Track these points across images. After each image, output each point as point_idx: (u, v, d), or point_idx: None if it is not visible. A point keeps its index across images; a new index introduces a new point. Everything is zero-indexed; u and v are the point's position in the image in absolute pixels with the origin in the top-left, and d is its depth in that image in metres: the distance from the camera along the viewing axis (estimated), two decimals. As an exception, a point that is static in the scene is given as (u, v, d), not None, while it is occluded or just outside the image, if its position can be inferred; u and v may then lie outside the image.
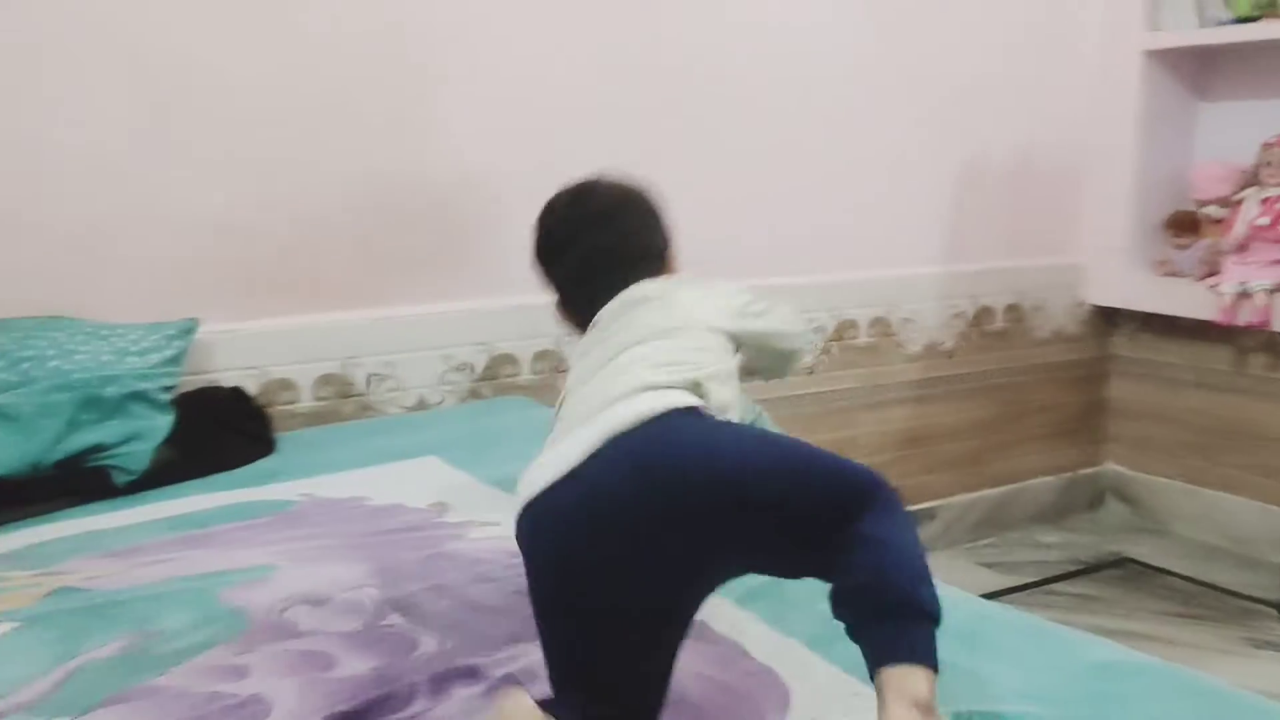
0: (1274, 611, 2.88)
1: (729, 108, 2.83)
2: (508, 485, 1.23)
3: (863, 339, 3.14)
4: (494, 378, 2.55)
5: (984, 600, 1.44)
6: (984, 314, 3.38)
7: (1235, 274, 3.16)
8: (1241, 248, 3.21)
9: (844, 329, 3.10)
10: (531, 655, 1.15)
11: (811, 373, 3.04)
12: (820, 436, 3.00)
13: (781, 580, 1.17)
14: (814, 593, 0.94)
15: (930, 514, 3.32)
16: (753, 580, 1.30)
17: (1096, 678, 1.18)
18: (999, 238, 3.39)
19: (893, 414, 3.24)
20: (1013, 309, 3.45)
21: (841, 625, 0.88)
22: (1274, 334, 3.11)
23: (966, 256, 3.32)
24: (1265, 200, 3.19)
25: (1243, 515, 3.27)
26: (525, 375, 2.59)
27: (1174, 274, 3.36)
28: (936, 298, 3.27)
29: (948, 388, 3.32)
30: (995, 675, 1.16)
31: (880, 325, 3.17)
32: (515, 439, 1.94)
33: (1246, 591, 3.01)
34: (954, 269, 3.29)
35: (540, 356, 2.60)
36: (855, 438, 3.16)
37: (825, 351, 3.07)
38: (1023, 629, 1.33)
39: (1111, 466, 3.71)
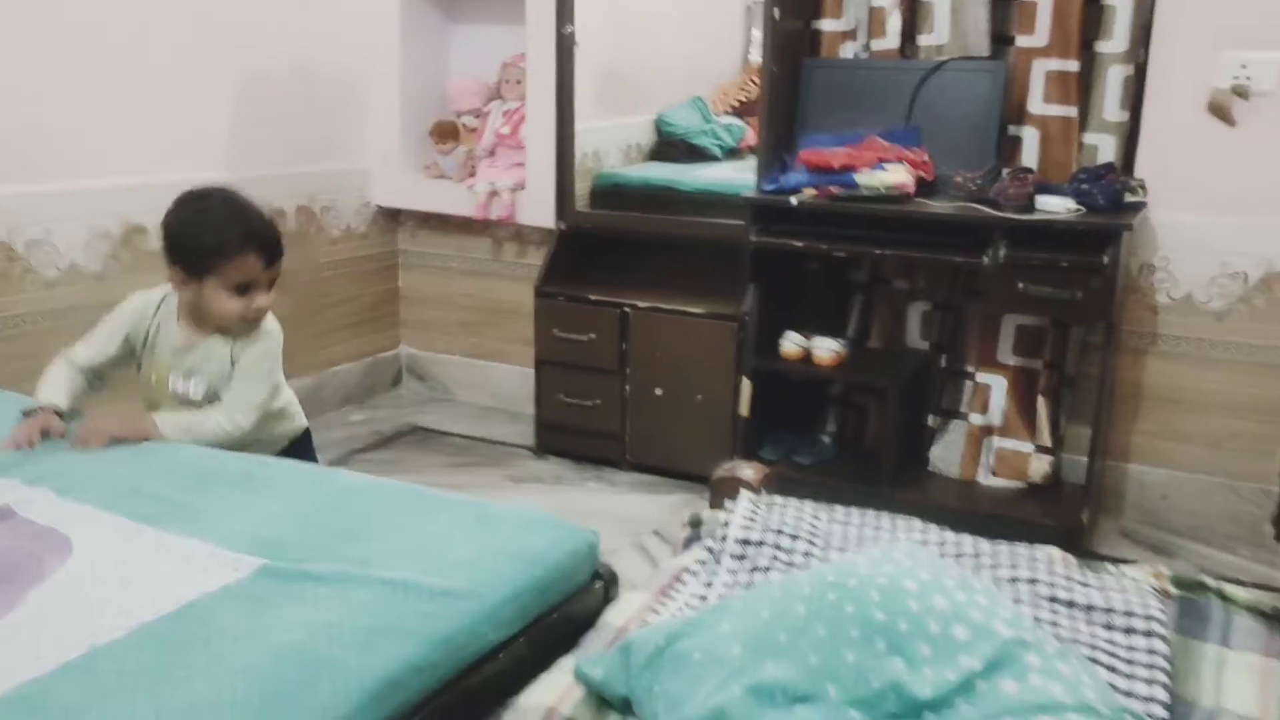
0: (529, 452, 3.56)
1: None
2: None
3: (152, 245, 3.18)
4: None
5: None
6: (277, 216, 3.60)
7: (486, 176, 3.74)
8: (491, 153, 3.81)
9: (131, 234, 3.12)
10: None
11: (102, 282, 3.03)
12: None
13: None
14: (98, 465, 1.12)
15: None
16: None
17: (344, 494, 1.51)
18: (288, 145, 3.60)
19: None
20: (304, 210, 3.71)
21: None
22: (520, 226, 3.75)
23: (255, 163, 3.49)
24: (506, 112, 3.80)
25: (506, 379, 3.94)
26: None
27: (441, 176, 3.87)
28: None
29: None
30: (266, 504, 1.44)
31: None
32: None
33: (510, 440, 3.67)
34: (243, 174, 3.45)
35: None
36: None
37: (114, 256, 3.07)
38: (294, 470, 1.63)
39: (406, 348, 4.19)
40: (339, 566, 1.39)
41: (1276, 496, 2.92)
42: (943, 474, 3.17)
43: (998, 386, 3.11)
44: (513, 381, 3.91)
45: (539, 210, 3.62)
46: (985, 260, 2.73)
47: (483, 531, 1.48)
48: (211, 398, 2.04)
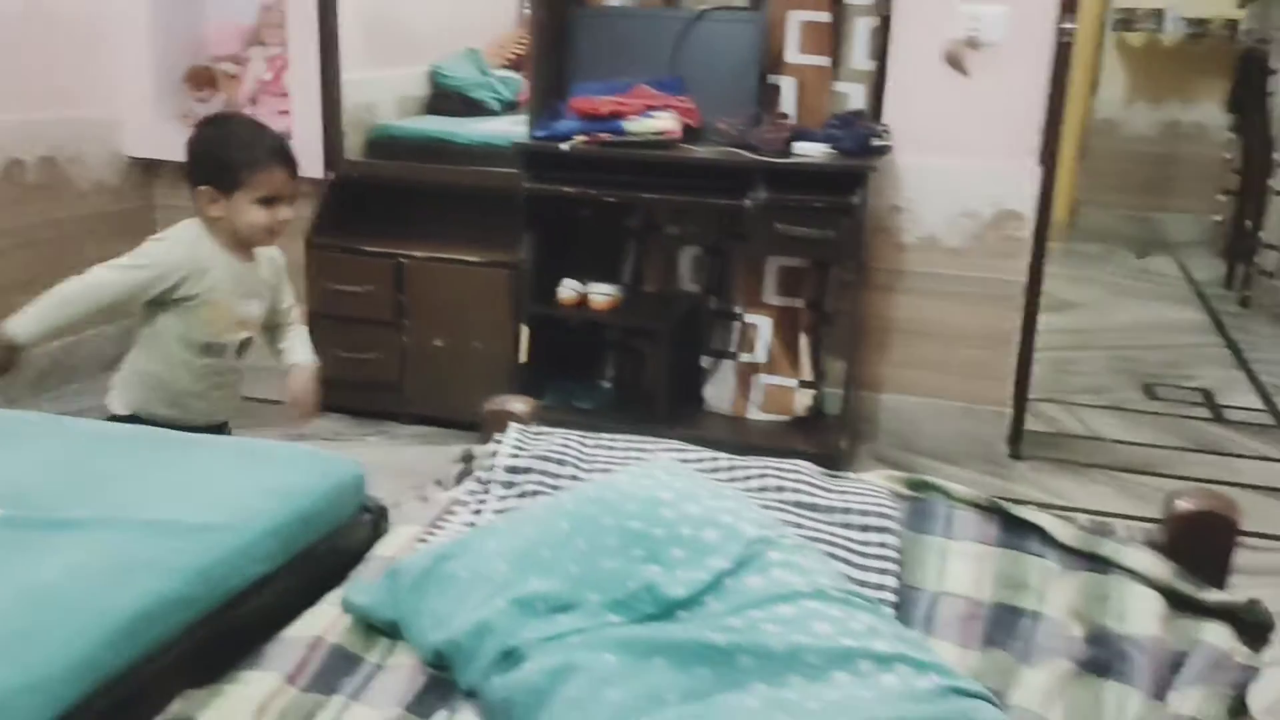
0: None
1: None
2: None
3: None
4: None
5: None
6: (15, 167, 3.35)
7: (250, 124, 3.59)
8: (253, 101, 3.66)
9: None
10: None
11: None
12: None
13: None
14: None
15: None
16: None
17: (99, 441, 1.45)
18: (25, 90, 3.35)
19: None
20: (47, 162, 3.46)
21: None
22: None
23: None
24: (269, 58, 3.66)
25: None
26: None
27: (200, 125, 3.68)
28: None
29: (-13, 243, 3.26)
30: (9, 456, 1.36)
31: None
32: None
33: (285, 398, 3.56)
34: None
35: None
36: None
37: None
38: (42, 421, 1.55)
39: (169, 308, 3.99)
40: (92, 512, 1.34)
41: (1008, 417, 3.21)
42: (716, 411, 3.31)
43: (764, 326, 3.26)
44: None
45: (306, 160, 3.50)
46: (747, 203, 2.85)
47: (244, 468, 1.46)
48: (264, 312, 2.25)
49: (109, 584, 1.15)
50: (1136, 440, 3.40)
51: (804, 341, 3.24)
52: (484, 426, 1.79)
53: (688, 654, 1.18)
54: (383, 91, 3.70)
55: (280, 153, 2.13)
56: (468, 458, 1.77)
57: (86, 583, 1.14)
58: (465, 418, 3.33)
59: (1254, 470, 3.24)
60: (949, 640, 1.34)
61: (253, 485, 1.41)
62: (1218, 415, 3.70)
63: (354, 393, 3.43)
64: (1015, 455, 3.22)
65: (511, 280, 3.20)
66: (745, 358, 3.28)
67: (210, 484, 1.42)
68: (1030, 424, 3.30)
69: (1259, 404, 3.81)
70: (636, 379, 3.50)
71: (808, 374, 3.24)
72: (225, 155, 2.10)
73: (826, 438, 3.09)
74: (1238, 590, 1.41)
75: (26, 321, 2.00)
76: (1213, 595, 1.37)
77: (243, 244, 2.15)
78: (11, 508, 1.36)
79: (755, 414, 3.26)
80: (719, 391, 3.33)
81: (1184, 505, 1.45)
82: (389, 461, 3.10)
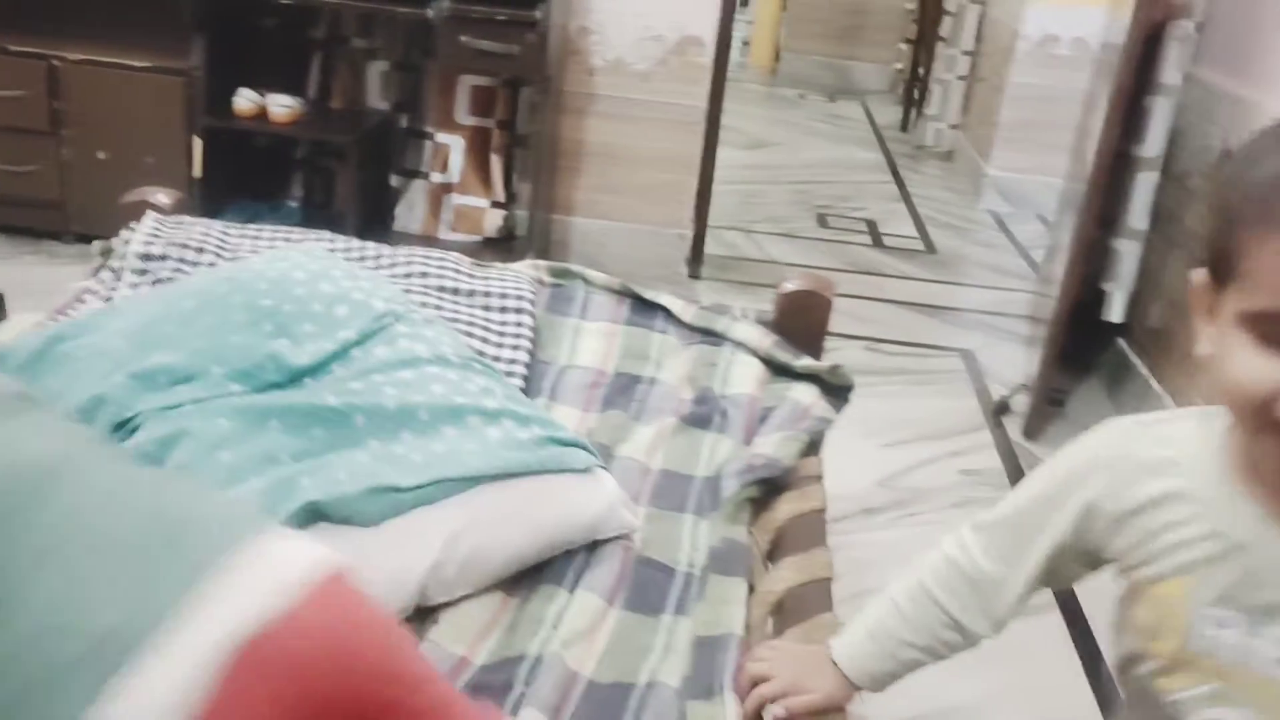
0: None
1: None
2: None
3: None
4: None
5: None
6: None
7: None
8: None
9: None
10: None
11: None
12: None
13: None
14: None
15: None
16: None
17: None
18: None
19: None
20: None
21: None
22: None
23: None
24: None
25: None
26: None
27: None
28: None
29: None
30: None
31: None
32: None
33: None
34: None
35: None
36: None
37: None
38: None
39: None
40: None
41: (689, 240, 3.38)
42: (407, 232, 3.29)
43: (456, 146, 3.24)
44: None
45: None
46: (430, 13, 2.79)
47: None
48: None
49: None
50: (805, 263, 3.67)
51: (495, 162, 3.25)
52: (120, 217, 1.72)
53: (303, 416, 1.21)
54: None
55: None
56: (105, 251, 1.70)
57: None
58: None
59: (902, 288, 3.59)
60: (572, 405, 1.45)
61: None
62: (878, 241, 4.05)
63: (9, 209, 3.16)
64: (694, 275, 3.40)
65: (185, 89, 3.00)
66: (437, 178, 3.26)
67: None
68: (711, 248, 3.49)
69: (913, 232, 4.20)
70: (326, 199, 3.40)
71: (499, 195, 3.26)
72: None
73: (516, 259, 3.14)
74: (829, 358, 1.59)
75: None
76: (804, 361, 1.54)
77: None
78: None
79: (446, 234, 3.26)
80: (410, 212, 3.30)
81: (789, 286, 1.61)
82: (49, 281, 2.89)
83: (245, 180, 3.22)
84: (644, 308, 1.64)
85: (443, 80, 3.21)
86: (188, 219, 1.69)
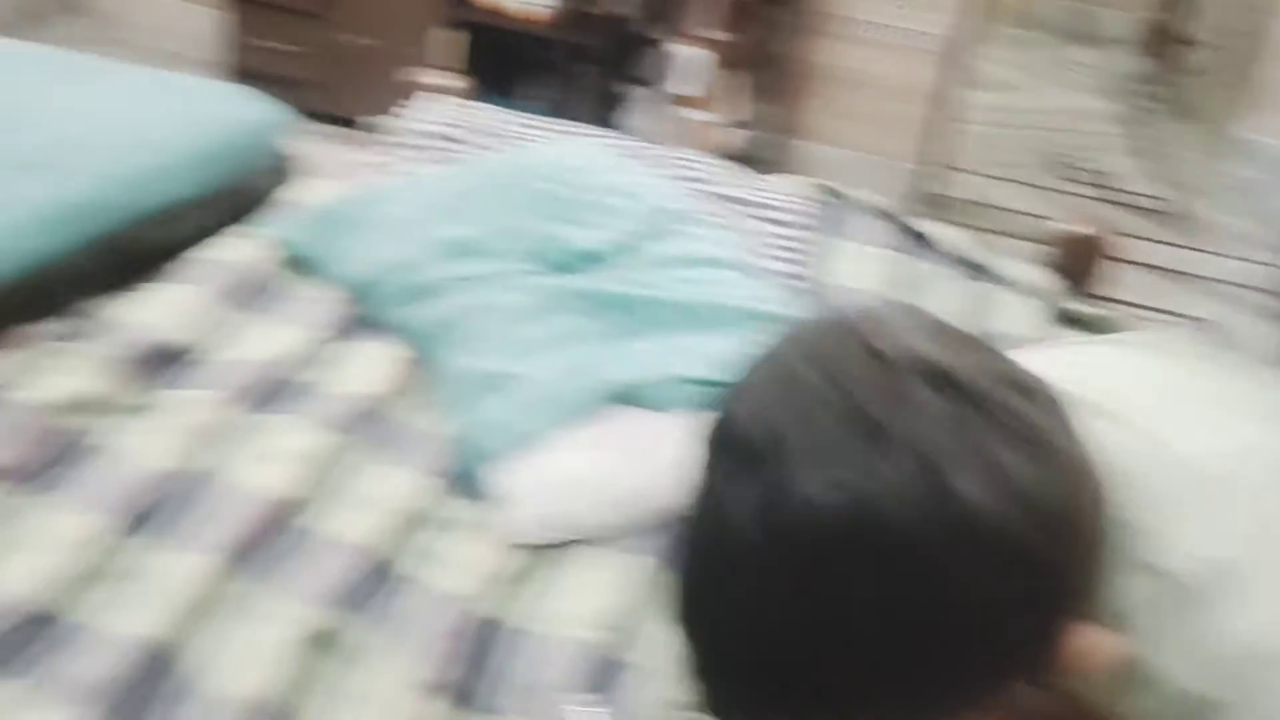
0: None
1: None
2: None
3: None
4: None
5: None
6: None
7: None
8: None
9: None
10: None
11: None
12: None
13: None
14: None
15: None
16: None
17: None
18: None
19: None
20: None
21: None
22: None
23: None
24: None
25: (186, 19, 3.62)
26: None
27: None
28: None
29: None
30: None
31: None
32: None
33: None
34: None
35: None
36: None
37: None
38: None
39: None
40: None
41: (923, 175, 3.29)
42: (643, 142, 3.31)
43: (704, 61, 3.22)
44: (197, 21, 3.56)
45: None
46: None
47: (159, 97, 1.45)
48: None
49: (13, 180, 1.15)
50: (1029, 211, 3.53)
51: (742, 80, 3.22)
52: (390, 96, 1.79)
53: (600, 301, 1.26)
54: None
55: None
56: (385, 130, 1.78)
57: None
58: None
59: (1139, 248, 3.41)
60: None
61: (168, 113, 1.41)
62: (1112, 198, 3.86)
63: (278, 88, 3.32)
64: (926, 215, 3.31)
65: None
66: (681, 90, 3.26)
67: (124, 110, 1.40)
68: (943, 188, 3.38)
69: (1153, 191, 3.98)
70: (566, 102, 3.45)
71: (745, 114, 3.23)
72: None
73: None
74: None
75: None
76: (1084, 309, 1.49)
77: None
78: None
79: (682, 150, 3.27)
80: (646, 122, 3.32)
81: (1065, 228, 1.56)
82: (314, 159, 3.04)
83: (491, 78, 3.30)
84: (909, 233, 1.62)
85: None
86: (474, 104, 1.75)
